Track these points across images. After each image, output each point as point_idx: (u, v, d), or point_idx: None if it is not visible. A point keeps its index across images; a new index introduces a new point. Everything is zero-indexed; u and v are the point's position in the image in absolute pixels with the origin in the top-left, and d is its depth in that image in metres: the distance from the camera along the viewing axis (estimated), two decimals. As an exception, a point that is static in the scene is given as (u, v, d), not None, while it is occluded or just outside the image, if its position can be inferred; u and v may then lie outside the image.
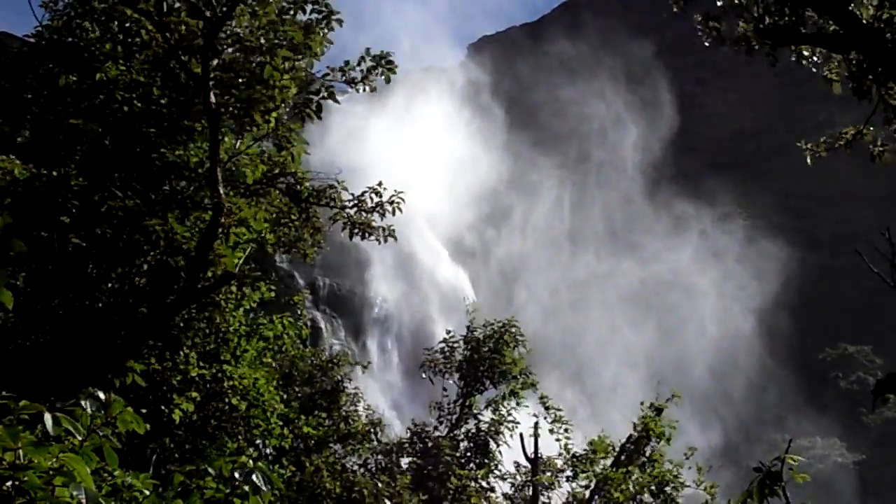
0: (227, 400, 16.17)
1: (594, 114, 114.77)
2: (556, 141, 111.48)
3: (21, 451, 5.07)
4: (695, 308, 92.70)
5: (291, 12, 14.53)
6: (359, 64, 15.01)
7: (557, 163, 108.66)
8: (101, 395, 5.74)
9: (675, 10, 12.18)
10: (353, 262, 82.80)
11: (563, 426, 23.70)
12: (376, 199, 16.23)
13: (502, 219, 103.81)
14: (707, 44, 12.01)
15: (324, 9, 14.68)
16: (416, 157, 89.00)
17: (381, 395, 73.18)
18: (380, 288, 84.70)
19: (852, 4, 10.84)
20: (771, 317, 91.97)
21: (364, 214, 16.31)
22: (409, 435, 24.51)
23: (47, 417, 5.28)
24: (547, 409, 23.96)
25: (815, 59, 12.19)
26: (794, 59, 12.14)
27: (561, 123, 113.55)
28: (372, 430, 23.71)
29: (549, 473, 24.15)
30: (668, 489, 21.94)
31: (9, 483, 5.11)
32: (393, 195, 16.20)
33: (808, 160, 14.22)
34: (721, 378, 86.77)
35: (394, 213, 16.22)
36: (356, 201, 16.33)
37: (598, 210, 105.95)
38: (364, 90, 15.22)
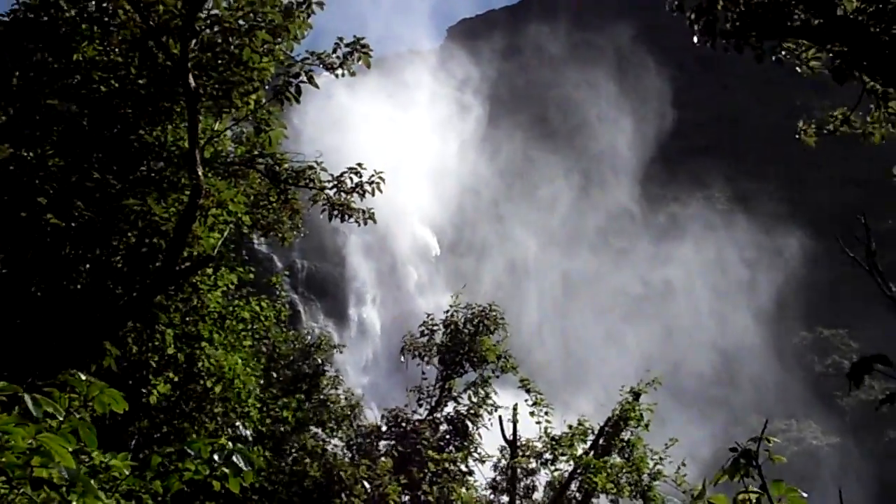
0: (201, 382, 16.16)
1: (580, 98, 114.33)
2: (542, 127, 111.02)
3: (-2, 432, 5.06)
4: (686, 297, 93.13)
5: None
6: (334, 51, 15.00)
7: (547, 151, 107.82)
8: (83, 377, 5.73)
9: (670, 8, 12.21)
10: (332, 245, 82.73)
11: (544, 409, 23.74)
12: (356, 180, 16.21)
13: (489, 214, 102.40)
14: (696, 41, 12.04)
15: None
16: (394, 142, 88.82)
17: (360, 378, 73.33)
18: (359, 270, 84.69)
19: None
20: (748, 300, 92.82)
21: (343, 195, 16.29)
22: (383, 419, 24.53)
23: (27, 398, 5.26)
24: (528, 391, 24.00)
25: (797, 50, 12.30)
26: (778, 51, 12.24)
27: (546, 109, 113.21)
28: (350, 413, 23.76)
29: (528, 456, 24.23)
30: (644, 476, 22.04)
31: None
32: (372, 175, 16.21)
33: (803, 143, 14.38)
34: (703, 361, 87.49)
35: (373, 194, 16.21)
36: (335, 182, 16.30)
37: (592, 207, 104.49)
38: (343, 75, 15.21)
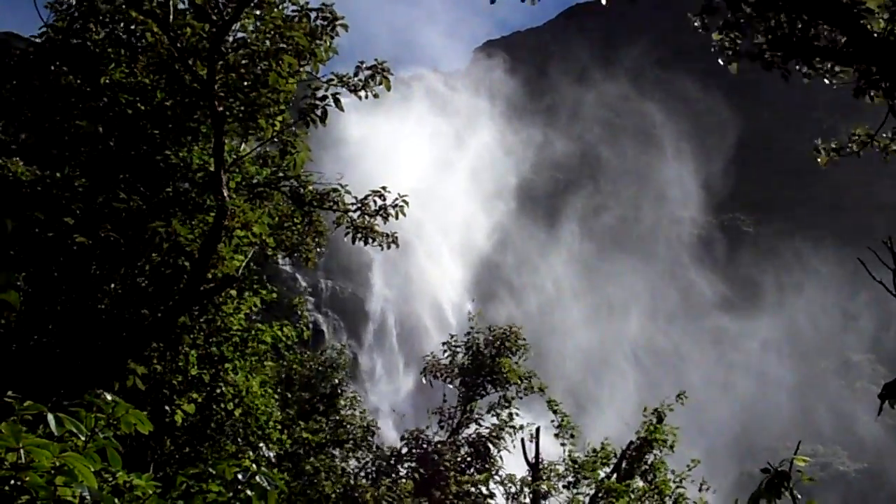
0: (222, 405, 16.19)
1: (615, 122, 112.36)
2: (577, 160, 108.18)
3: (23, 451, 5.10)
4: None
5: (297, 19, 14.57)
6: (356, 74, 15.16)
7: (579, 190, 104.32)
8: (108, 397, 5.77)
9: (696, 25, 12.20)
10: (356, 265, 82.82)
11: (570, 431, 23.58)
12: (380, 203, 16.24)
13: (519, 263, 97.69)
14: (721, 61, 12.02)
15: (329, 15, 14.75)
16: (418, 165, 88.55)
17: (381, 398, 73.19)
18: (382, 291, 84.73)
19: (863, 18, 10.90)
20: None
21: (367, 218, 16.32)
22: (404, 442, 24.47)
23: (50, 418, 5.30)
24: (555, 412, 23.84)
25: (822, 70, 12.23)
26: (802, 71, 12.17)
27: (581, 130, 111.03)
28: (368, 434, 23.72)
29: (550, 479, 24.06)
30: (667, 500, 21.83)
31: (11, 482, 5.14)
32: (396, 199, 16.24)
33: (820, 161, 14.25)
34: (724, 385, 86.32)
35: (397, 217, 16.23)
36: (359, 205, 16.34)
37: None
38: (367, 97, 15.32)
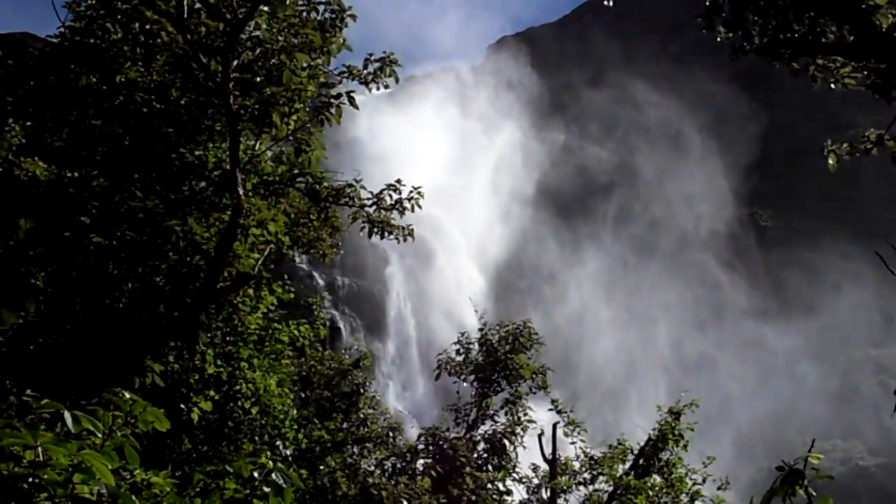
0: (240, 403, 16.26)
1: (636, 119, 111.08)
2: (598, 162, 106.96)
3: (40, 449, 5.13)
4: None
5: (305, 13, 14.65)
6: (365, 67, 15.33)
7: (605, 199, 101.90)
8: (126, 395, 5.80)
9: (703, 21, 12.16)
10: (372, 262, 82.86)
11: (577, 429, 23.63)
12: (395, 197, 16.30)
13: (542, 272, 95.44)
14: (730, 57, 11.99)
15: (336, 7, 14.81)
16: (435, 163, 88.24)
17: (398, 396, 73.29)
18: (399, 287, 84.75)
19: (872, 14, 10.85)
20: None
21: (383, 212, 16.37)
22: (421, 439, 24.48)
23: (67, 416, 5.33)
24: (559, 412, 23.91)
25: (831, 66, 12.16)
26: (812, 67, 12.11)
27: (602, 130, 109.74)
28: (390, 433, 23.74)
29: (566, 476, 24.07)
30: (682, 497, 21.83)
31: (29, 480, 5.18)
32: (412, 192, 16.29)
33: (831, 161, 14.16)
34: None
35: (413, 210, 16.30)
36: (375, 199, 16.39)
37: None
38: (378, 89, 15.42)
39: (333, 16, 14.84)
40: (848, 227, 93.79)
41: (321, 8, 14.78)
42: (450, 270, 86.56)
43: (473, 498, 22.74)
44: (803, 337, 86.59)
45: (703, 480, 22.25)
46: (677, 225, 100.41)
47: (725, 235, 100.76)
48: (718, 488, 22.14)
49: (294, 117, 15.32)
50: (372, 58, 15.33)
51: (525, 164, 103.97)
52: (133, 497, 5.63)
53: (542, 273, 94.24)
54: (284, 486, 6.04)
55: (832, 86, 12.57)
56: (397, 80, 15.43)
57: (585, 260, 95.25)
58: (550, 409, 24.15)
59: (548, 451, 24.54)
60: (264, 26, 15.00)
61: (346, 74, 15.27)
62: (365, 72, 15.29)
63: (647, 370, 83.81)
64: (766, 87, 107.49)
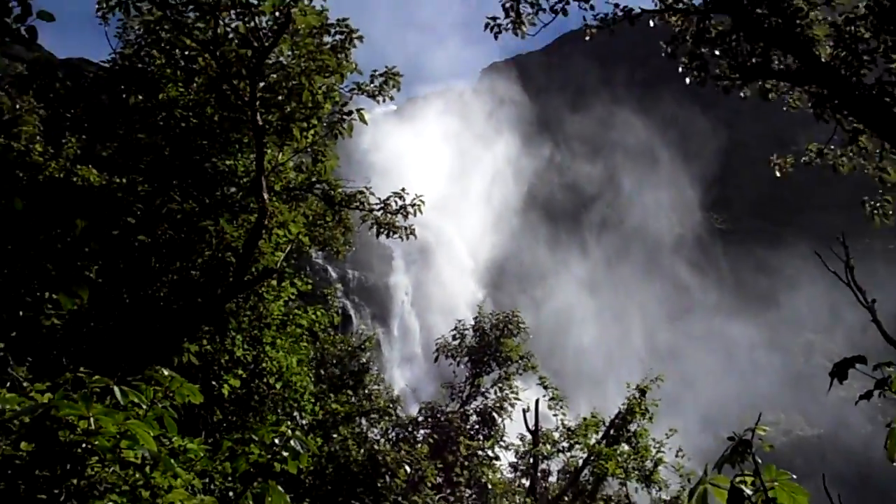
0: (265, 380, 16.29)
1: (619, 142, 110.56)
2: (583, 178, 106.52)
3: (92, 419, 5.17)
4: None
5: (319, 35, 14.70)
6: (372, 81, 15.47)
7: (585, 205, 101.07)
8: (166, 372, 5.83)
9: (666, 52, 12.24)
10: (379, 259, 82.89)
11: (560, 403, 23.68)
12: (399, 203, 16.40)
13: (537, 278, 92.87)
14: (688, 81, 12.08)
15: (345, 29, 14.87)
16: (434, 177, 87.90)
17: (401, 375, 73.31)
18: (403, 281, 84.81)
19: (812, 46, 10.98)
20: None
21: (389, 216, 16.46)
22: (420, 412, 24.52)
23: (116, 390, 5.37)
24: (546, 388, 23.94)
25: (778, 91, 12.28)
26: (763, 91, 12.21)
27: (586, 150, 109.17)
28: (391, 406, 23.76)
29: (548, 445, 24.14)
30: (648, 463, 21.92)
31: (83, 446, 5.22)
32: (414, 198, 16.38)
33: (777, 173, 14.27)
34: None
35: (415, 214, 16.41)
36: (382, 204, 16.47)
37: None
38: (384, 101, 15.51)
39: (343, 37, 14.90)
40: (800, 229, 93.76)
41: (332, 30, 14.85)
42: (447, 267, 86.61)
43: (466, 463, 22.80)
44: (761, 327, 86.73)
45: (678, 454, 22.30)
46: (651, 232, 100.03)
47: (692, 240, 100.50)
48: (675, 456, 22.22)
49: (312, 131, 15.37)
50: (377, 73, 15.49)
51: (516, 177, 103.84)
52: (171, 460, 5.66)
53: (531, 275, 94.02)
54: (301, 451, 6.08)
55: (783, 108, 12.68)
56: (399, 90, 15.58)
57: (571, 263, 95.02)
58: (538, 384, 24.16)
59: (532, 424, 24.60)
60: (287, 52, 15.02)
61: (355, 90, 15.36)
62: (371, 85, 15.41)
63: (624, 360, 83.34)
64: (724, 108, 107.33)
